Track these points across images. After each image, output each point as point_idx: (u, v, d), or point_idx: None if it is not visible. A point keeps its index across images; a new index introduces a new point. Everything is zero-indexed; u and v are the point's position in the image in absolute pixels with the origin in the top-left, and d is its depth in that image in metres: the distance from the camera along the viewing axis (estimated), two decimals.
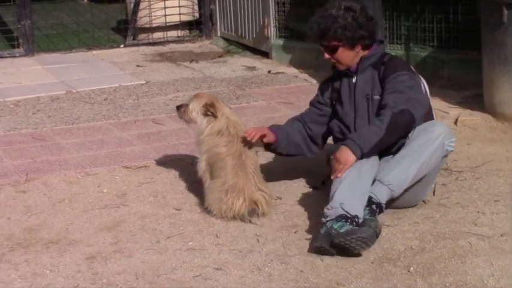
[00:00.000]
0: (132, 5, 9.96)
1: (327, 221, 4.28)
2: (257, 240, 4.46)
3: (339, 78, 4.94)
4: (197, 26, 10.17)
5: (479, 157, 5.60)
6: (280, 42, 8.89)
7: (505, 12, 6.05)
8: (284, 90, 7.63)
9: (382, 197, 4.45)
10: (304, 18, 8.33)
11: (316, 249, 4.24)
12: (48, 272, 4.18)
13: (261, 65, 8.73)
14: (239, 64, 8.80)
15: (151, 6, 9.81)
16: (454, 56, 7.39)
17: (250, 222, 4.66)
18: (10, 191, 5.29)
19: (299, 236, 4.48)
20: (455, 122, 6.31)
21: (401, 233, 4.48)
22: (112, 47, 9.79)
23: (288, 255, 4.26)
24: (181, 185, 5.30)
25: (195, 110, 4.92)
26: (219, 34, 10.07)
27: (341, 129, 4.90)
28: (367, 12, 4.84)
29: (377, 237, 4.26)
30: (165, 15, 9.85)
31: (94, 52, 9.59)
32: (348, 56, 4.81)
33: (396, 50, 7.62)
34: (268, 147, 5.00)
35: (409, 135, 4.63)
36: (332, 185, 4.46)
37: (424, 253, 4.24)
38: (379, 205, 4.43)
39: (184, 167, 5.56)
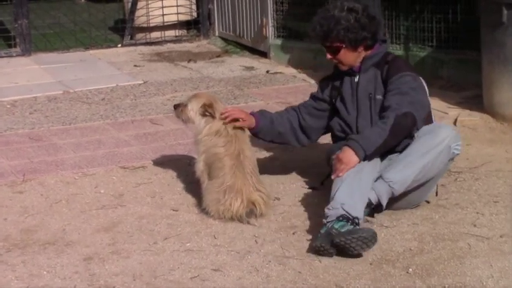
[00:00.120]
0: (130, 4, 9.94)
1: (328, 222, 4.27)
2: (255, 241, 4.44)
3: (339, 76, 4.93)
4: (195, 26, 10.16)
5: (478, 158, 5.59)
6: (279, 42, 8.87)
7: (505, 12, 6.04)
8: (282, 90, 7.61)
9: (382, 193, 4.45)
10: (303, 18, 8.34)
11: (316, 249, 4.22)
12: (45, 273, 4.16)
13: (259, 64, 8.71)
14: (237, 64, 8.79)
15: (149, 6, 9.79)
16: (454, 56, 7.38)
17: (248, 223, 4.64)
18: (7, 191, 5.26)
19: (297, 237, 4.46)
20: (455, 123, 6.30)
21: (400, 234, 4.46)
22: (109, 47, 9.77)
23: (286, 256, 4.24)
24: (179, 185, 5.28)
25: (194, 110, 4.91)
26: (217, 34, 10.05)
27: (342, 128, 4.90)
28: (369, 12, 4.83)
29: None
30: (163, 15, 9.83)
31: (91, 52, 9.57)
32: (350, 57, 4.81)
33: (395, 50, 7.60)
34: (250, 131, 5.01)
35: (415, 135, 4.62)
36: (333, 185, 4.46)
37: (423, 254, 4.23)
38: (377, 206, 4.44)
39: (182, 167, 5.54)
